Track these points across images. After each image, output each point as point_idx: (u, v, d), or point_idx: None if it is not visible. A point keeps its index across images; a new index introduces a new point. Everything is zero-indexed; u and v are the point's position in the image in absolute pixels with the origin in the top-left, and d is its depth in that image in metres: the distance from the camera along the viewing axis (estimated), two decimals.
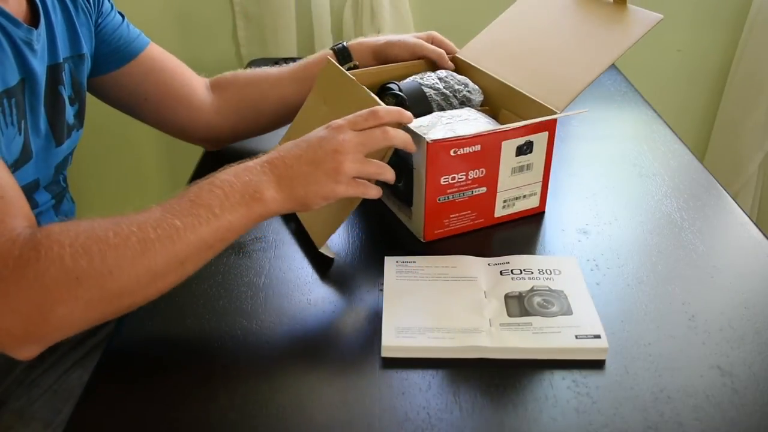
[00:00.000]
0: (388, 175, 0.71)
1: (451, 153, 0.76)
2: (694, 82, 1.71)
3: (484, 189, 0.81)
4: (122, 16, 0.92)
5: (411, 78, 0.92)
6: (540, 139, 0.81)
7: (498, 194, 0.82)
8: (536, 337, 0.65)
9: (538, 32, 0.93)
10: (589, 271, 0.76)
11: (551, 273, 0.73)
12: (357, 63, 0.97)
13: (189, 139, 1.00)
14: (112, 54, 0.89)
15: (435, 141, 0.74)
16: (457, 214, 0.81)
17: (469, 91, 0.91)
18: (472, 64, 0.96)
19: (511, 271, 0.74)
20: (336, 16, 1.61)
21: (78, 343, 0.84)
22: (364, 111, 0.70)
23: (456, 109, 0.88)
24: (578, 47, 0.86)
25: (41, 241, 0.55)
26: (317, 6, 1.56)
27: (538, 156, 0.82)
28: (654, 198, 0.91)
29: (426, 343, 0.64)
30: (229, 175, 0.63)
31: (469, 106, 0.91)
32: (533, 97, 0.84)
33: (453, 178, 0.78)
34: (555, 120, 0.81)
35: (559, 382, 0.61)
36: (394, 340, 0.65)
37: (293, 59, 1.01)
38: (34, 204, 0.77)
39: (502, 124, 0.84)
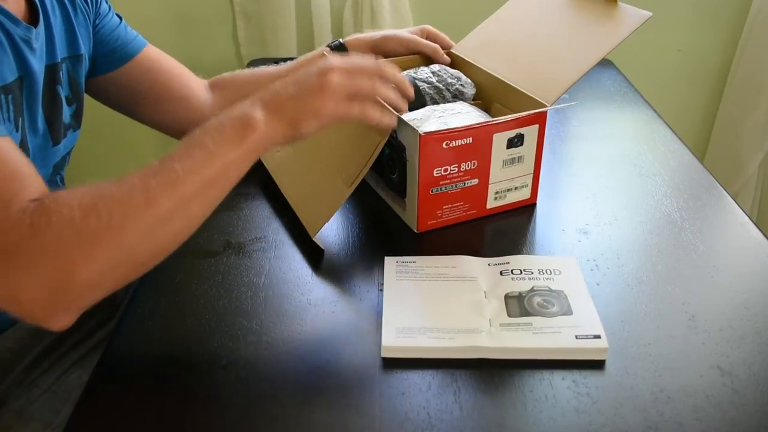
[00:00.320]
0: (391, 94, 0.69)
1: (444, 145, 0.77)
2: (694, 82, 1.71)
3: (476, 181, 0.82)
4: (120, 18, 0.92)
5: (405, 72, 0.93)
6: (531, 132, 0.82)
7: (490, 186, 0.83)
8: (536, 337, 0.65)
9: (531, 29, 0.95)
10: (589, 271, 0.76)
11: (551, 273, 0.73)
12: None
13: None
14: (110, 55, 0.89)
15: (428, 133, 0.75)
16: (449, 206, 0.82)
17: (462, 85, 0.93)
18: (466, 59, 0.97)
19: (511, 271, 0.74)
20: (336, 16, 1.61)
21: (77, 343, 0.84)
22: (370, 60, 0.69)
23: (449, 102, 0.90)
24: (569, 43, 0.88)
25: (50, 206, 0.55)
26: (317, 6, 1.56)
27: (528, 148, 0.83)
28: (654, 198, 0.91)
29: (426, 343, 0.64)
30: (218, 116, 0.63)
31: (462, 99, 0.92)
32: (524, 91, 0.85)
33: (445, 170, 0.79)
34: (545, 113, 0.82)
35: (559, 382, 0.61)
36: (394, 340, 0.65)
37: (293, 59, 1.01)
38: None
39: (494, 117, 0.85)
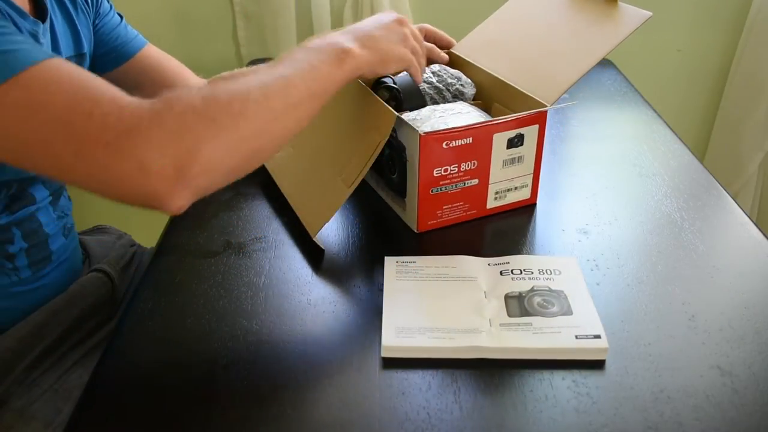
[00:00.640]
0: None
1: (444, 145, 0.77)
2: (694, 82, 1.71)
3: (476, 181, 0.82)
4: (120, 17, 0.92)
5: (405, 72, 0.93)
6: (531, 132, 0.82)
7: (490, 186, 0.83)
8: (536, 337, 0.65)
9: (531, 29, 0.95)
10: (589, 271, 0.76)
11: (551, 273, 0.73)
12: None
13: None
14: (110, 53, 0.89)
15: (428, 133, 0.76)
16: (449, 206, 0.82)
17: (462, 85, 0.93)
18: (466, 59, 0.97)
19: (511, 271, 0.74)
20: (336, 16, 1.61)
21: (78, 342, 0.84)
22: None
23: (449, 102, 0.90)
24: (569, 43, 0.88)
25: (169, 97, 0.58)
26: (317, 6, 1.56)
27: (528, 148, 0.83)
28: (654, 198, 0.91)
29: (426, 343, 0.64)
30: (314, 41, 0.70)
31: (462, 99, 0.92)
32: (524, 91, 0.86)
33: (445, 170, 0.79)
34: (545, 113, 0.82)
35: (559, 382, 0.61)
36: (394, 340, 0.65)
37: None
38: (31, 200, 0.78)
39: (494, 117, 0.85)
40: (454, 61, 0.99)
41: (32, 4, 0.74)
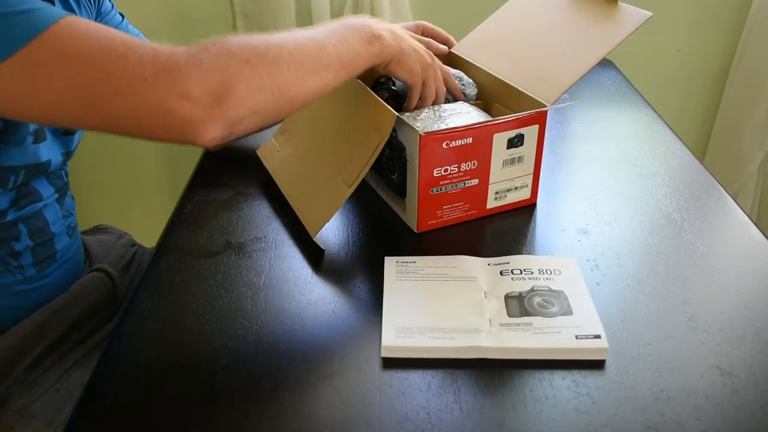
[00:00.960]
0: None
1: (444, 145, 0.77)
2: (694, 82, 1.71)
3: (476, 181, 0.82)
4: (122, 16, 0.92)
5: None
6: (531, 132, 0.82)
7: (490, 186, 0.83)
8: (536, 337, 0.65)
9: (531, 29, 0.95)
10: (589, 271, 0.76)
11: (551, 273, 0.73)
12: None
13: None
14: None
15: (428, 133, 0.76)
16: (450, 206, 0.82)
17: (463, 85, 0.93)
18: (466, 59, 0.97)
19: (511, 271, 0.74)
20: (336, 16, 1.61)
21: (79, 342, 0.84)
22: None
23: (450, 102, 0.89)
24: (569, 43, 0.88)
25: (204, 42, 0.62)
26: (317, 6, 1.56)
27: (529, 148, 0.83)
28: (654, 198, 0.91)
29: (426, 343, 0.64)
30: (351, 19, 0.75)
31: (464, 99, 0.92)
32: (524, 91, 0.86)
33: (446, 170, 0.79)
34: (545, 113, 0.82)
35: (559, 382, 0.61)
36: (394, 340, 0.65)
37: None
38: (38, 196, 0.78)
39: (494, 117, 0.85)
40: (454, 61, 0.99)
41: None
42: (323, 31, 0.71)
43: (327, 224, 0.80)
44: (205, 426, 0.58)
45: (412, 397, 0.60)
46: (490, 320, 0.67)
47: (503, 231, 0.84)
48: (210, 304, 0.72)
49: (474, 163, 0.80)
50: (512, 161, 0.83)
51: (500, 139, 0.80)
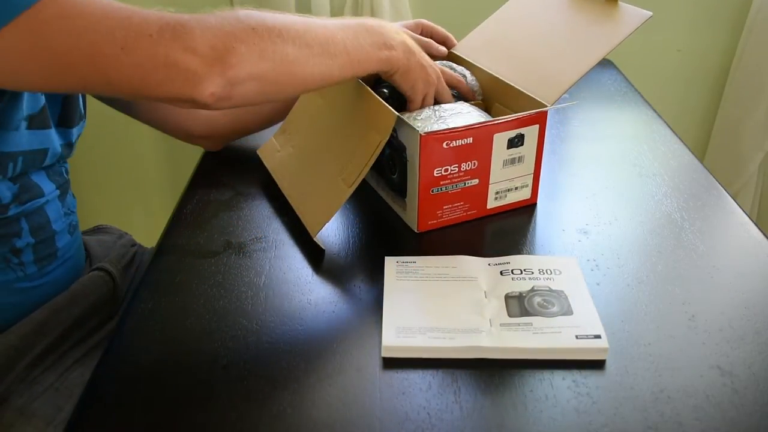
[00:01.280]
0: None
1: (444, 145, 0.77)
2: (694, 82, 1.71)
3: (476, 181, 0.82)
4: None
5: None
6: (531, 132, 0.82)
7: (490, 186, 0.83)
8: (536, 337, 0.65)
9: (531, 29, 0.95)
10: (589, 271, 0.76)
11: (551, 273, 0.73)
12: None
13: (189, 138, 1.00)
14: None
15: (428, 133, 0.76)
16: (450, 206, 0.82)
17: (468, 83, 0.92)
18: (466, 59, 0.97)
19: (512, 271, 0.74)
20: (336, 15, 1.61)
21: (79, 341, 0.84)
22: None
23: (456, 99, 0.89)
24: (569, 43, 0.88)
25: (211, 11, 0.63)
26: (317, 6, 1.56)
27: (529, 148, 0.83)
28: (654, 198, 0.91)
29: (426, 343, 0.64)
30: (370, 20, 0.76)
31: (473, 98, 0.92)
32: (524, 91, 0.86)
33: (446, 170, 0.79)
34: (545, 113, 0.82)
35: (559, 382, 0.61)
36: (394, 340, 0.65)
37: None
38: (39, 191, 0.78)
39: (494, 117, 0.85)
40: (454, 61, 0.99)
41: None
42: (337, 24, 0.72)
43: (327, 224, 0.80)
44: (205, 426, 0.58)
45: (412, 397, 0.60)
46: (490, 320, 0.67)
47: (503, 231, 0.84)
48: (210, 304, 0.72)
49: (474, 163, 0.80)
50: (512, 161, 0.83)
51: (500, 139, 0.80)
